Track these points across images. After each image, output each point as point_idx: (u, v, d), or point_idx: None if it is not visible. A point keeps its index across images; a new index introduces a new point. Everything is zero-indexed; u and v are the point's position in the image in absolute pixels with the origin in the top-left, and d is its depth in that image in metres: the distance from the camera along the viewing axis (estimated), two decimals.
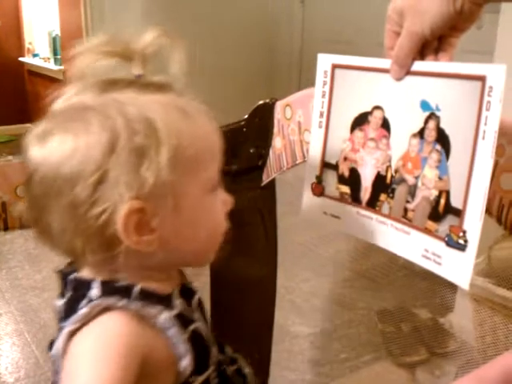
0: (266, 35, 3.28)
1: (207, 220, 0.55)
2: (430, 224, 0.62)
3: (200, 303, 0.60)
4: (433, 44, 0.62)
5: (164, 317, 0.51)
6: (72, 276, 0.55)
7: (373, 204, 0.69)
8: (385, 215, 0.67)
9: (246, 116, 0.89)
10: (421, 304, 1.56)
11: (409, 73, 0.63)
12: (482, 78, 0.56)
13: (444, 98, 0.60)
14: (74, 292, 0.53)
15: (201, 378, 0.53)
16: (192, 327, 0.53)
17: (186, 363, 0.51)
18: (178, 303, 0.54)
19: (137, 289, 0.51)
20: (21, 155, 0.53)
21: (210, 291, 0.97)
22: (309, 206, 0.76)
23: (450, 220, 0.60)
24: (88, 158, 0.48)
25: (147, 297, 0.51)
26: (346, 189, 0.72)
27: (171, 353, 0.51)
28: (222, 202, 0.57)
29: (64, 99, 0.53)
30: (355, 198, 0.71)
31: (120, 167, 0.48)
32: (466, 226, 0.58)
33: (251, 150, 0.89)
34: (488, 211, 0.66)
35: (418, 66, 0.62)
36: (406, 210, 0.65)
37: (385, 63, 0.65)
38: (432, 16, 0.58)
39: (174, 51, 0.55)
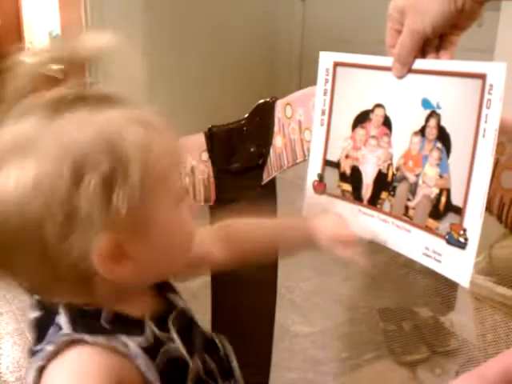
0: (266, 34, 3.28)
1: (180, 233, 0.52)
2: (431, 222, 0.62)
3: (183, 314, 0.56)
4: (434, 42, 0.62)
5: (133, 345, 0.47)
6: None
7: (374, 202, 0.69)
8: (386, 213, 0.67)
9: (247, 115, 0.89)
10: (422, 302, 1.56)
11: (410, 71, 0.63)
12: (482, 76, 0.56)
13: (445, 96, 0.60)
14: (43, 314, 0.50)
15: None
16: (164, 349, 0.50)
17: None
18: (151, 326, 0.50)
19: (106, 315, 0.48)
20: None
21: (211, 291, 0.97)
22: (310, 203, 0.76)
23: (451, 218, 0.60)
24: (51, 194, 0.43)
25: (117, 322, 0.48)
26: (347, 187, 0.72)
27: (144, 377, 0.48)
28: (188, 208, 0.54)
29: (7, 129, 0.45)
30: (357, 196, 0.71)
31: (88, 200, 0.43)
32: (466, 224, 0.58)
33: (252, 149, 0.90)
34: (489, 210, 0.66)
35: (420, 64, 0.62)
36: (406, 208, 0.65)
37: (386, 61, 0.65)
38: (433, 14, 0.58)
39: (127, 58, 0.50)
